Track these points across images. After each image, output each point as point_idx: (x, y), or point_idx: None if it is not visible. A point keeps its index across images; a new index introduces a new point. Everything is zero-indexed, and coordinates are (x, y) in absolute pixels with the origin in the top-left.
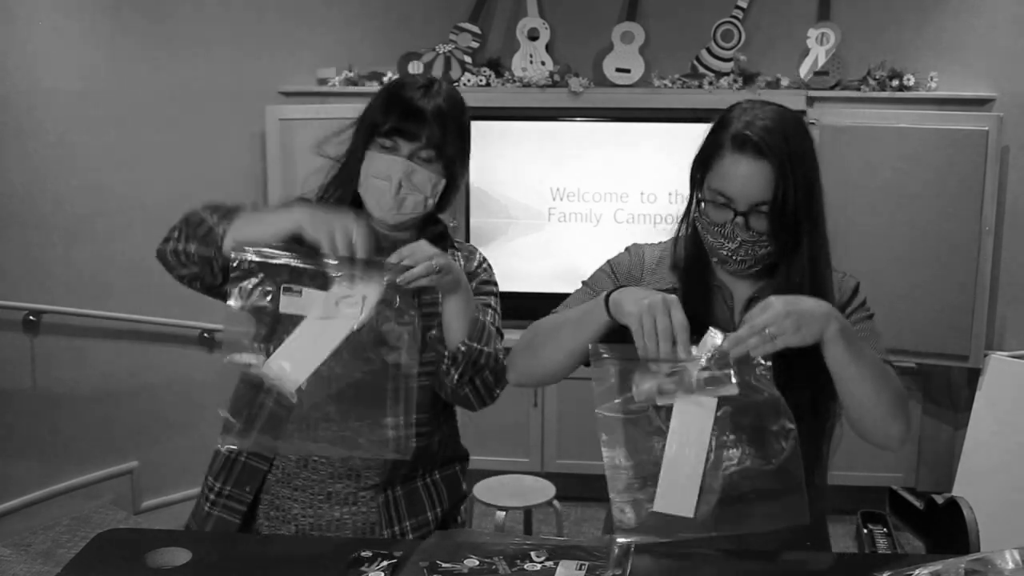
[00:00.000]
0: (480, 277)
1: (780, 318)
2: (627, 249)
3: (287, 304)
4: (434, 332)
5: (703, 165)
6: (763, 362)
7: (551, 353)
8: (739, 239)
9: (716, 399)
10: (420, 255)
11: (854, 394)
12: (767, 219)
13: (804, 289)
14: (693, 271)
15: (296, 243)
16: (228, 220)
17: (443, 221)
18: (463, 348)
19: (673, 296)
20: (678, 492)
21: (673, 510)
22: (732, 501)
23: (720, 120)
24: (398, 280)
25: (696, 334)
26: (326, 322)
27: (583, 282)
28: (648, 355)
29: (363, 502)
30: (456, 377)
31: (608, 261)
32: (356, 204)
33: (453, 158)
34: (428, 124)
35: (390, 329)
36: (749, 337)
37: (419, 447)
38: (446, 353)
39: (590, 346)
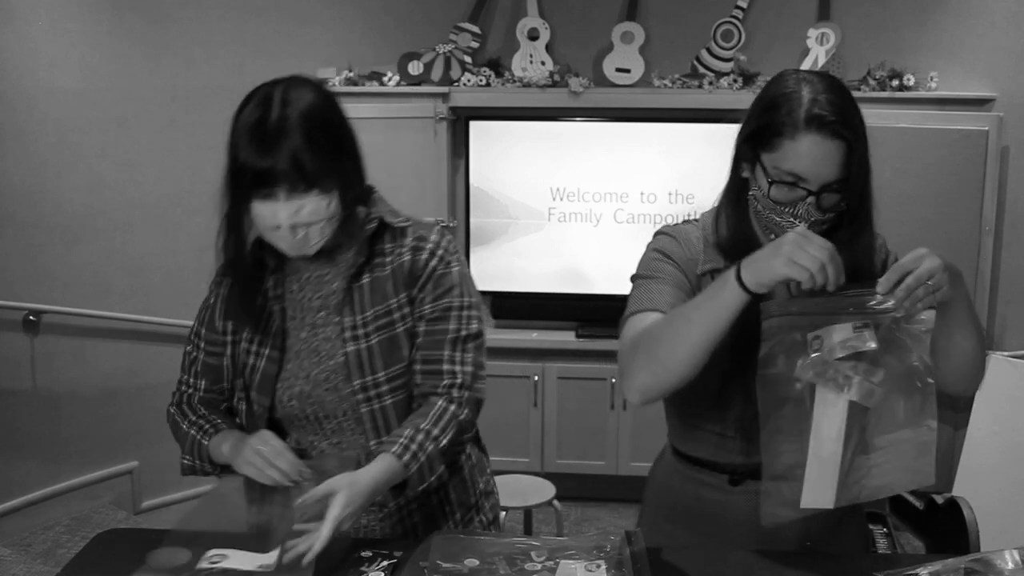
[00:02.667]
0: (428, 288)
1: (940, 270)
2: (664, 235)
3: None
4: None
5: (763, 143)
6: (923, 318)
7: (682, 355)
8: (812, 219)
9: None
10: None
11: (964, 348)
12: (838, 197)
13: (866, 259)
14: (744, 254)
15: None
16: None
17: (373, 213)
18: (420, 491)
19: (801, 227)
20: (821, 487)
21: (817, 504)
22: (859, 471)
23: (775, 95)
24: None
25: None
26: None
27: (637, 277)
28: (832, 286)
29: (371, 512)
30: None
31: (654, 249)
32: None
33: (330, 168)
34: (279, 157)
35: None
36: (918, 287)
37: None
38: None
39: (761, 305)
